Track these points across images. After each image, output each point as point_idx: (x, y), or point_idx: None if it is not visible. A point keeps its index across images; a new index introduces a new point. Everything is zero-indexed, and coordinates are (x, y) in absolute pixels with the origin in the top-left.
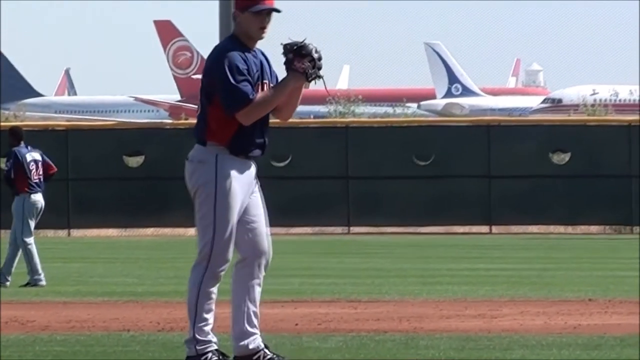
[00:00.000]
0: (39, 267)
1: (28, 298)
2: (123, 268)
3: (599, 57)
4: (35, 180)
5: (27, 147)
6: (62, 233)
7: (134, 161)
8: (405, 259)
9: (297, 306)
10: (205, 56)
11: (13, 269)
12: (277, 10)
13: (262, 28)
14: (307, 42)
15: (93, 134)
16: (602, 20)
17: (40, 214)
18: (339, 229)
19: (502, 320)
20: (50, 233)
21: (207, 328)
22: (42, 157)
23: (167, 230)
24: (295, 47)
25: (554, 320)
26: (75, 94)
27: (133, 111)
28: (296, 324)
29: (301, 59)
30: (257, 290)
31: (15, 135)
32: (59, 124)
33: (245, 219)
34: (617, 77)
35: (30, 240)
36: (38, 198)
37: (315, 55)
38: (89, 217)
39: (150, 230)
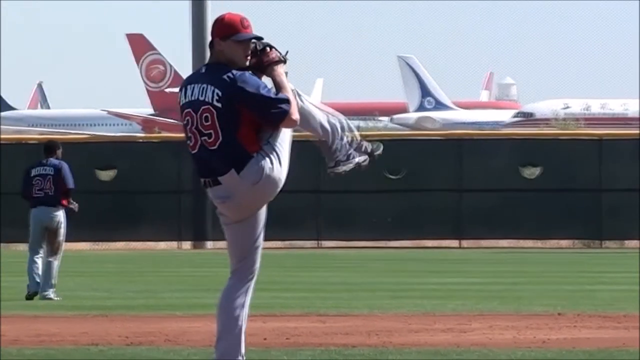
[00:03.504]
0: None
1: None
2: (93, 282)
3: (571, 71)
4: (37, 195)
5: (45, 161)
6: None
7: (106, 175)
8: (375, 273)
9: (266, 320)
10: (178, 69)
11: (53, 280)
12: (259, 38)
13: (247, 56)
14: (255, 41)
15: (65, 148)
16: (575, 34)
17: (50, 228)
18: (309, 243)
19: (471, 335)
20: (21, 247)
21: None
22: (57, 172)
23: (138, 244)
24: (258, 49)
25: (523, 334)
26: (48, 107)
27: (106, 125)
28: (265, 338)
29: (264, 53)
30: None
31: (45, 149)
32: (31, 137)
33: None
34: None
35: (33, 254)
36: (38, 212)
37: (270, 44)
38: None
39: (121, 244)
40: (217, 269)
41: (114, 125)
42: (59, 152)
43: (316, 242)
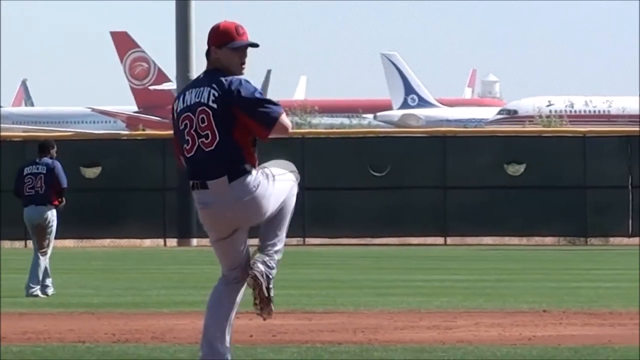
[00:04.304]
0: (36, 277)
1: None
2: (79, 279)
3: (554, 68)
4: (28, 193)
5: (38, 160)
6: (18, 244)
7: (91, 172)
8: (360, 270)
9: (252, 317)
10: (162, 66)
11: (40, 277)
12: (255, 45)
13: (243, 64)
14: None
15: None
16: (558, 32)
17: (40, 226)
18: (294, 240)
19: (456, 332)
20: (6, 244)
21: None
22: (49, 171)
23: (124, 241)
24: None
25: (509, 331)
26: (32, 104)
27: (90, 122)
28: (251, 335)
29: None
30: None
31: (39, 148)
32: (16, 135)
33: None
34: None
35: (36, 254)
36: (28, 211)
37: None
38: None
39: (107, 241)
40: (203, 266)
41: (98, 122)
42: (53, 151)
43: (301, 239)
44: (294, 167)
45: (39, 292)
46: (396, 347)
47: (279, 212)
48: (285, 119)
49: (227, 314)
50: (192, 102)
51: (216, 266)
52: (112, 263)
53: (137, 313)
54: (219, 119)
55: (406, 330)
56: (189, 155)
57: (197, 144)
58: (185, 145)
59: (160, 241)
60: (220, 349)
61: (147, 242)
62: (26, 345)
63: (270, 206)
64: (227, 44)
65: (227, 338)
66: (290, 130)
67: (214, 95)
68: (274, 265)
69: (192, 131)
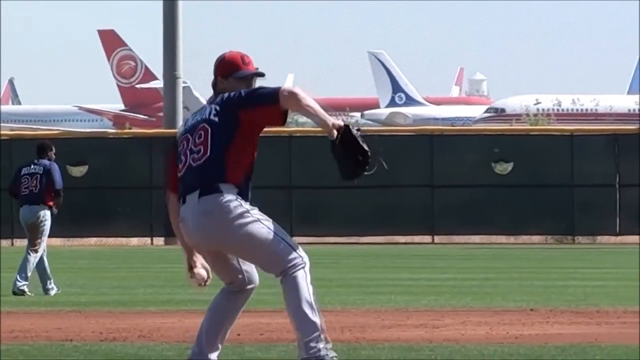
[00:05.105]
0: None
1: None
2: (66, 277)
3: (542, 67)
4: (23, 193)
5: (36, 161)
6: (5, 243)
7: (78, 171)
8: (348, 268)
9: (240, 316)
10: (149, 65)
11: (28, 273)
12: (261, 75)
13: None
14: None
15: (37, 144)
16: (545, 30)
17: (33, 224)
18: None
19: (444, 330)
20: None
21: None
22: (45, 172)
23: (111, 240)
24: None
25: (496, 330)
26: (19, 103)
27: (77, 120)
28: (238, 334)
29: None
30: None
31: (38, 149)
32: (3, 133)
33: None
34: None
35: (31, 252)
36: (23, 211)
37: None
38: None
39: (93, 240)
40: None
41: (85, 121)
42: (51, 153)
43: None
44: (296, 247)
45: (25, 288)
46: (383, 346)
47: (254, 256)
48: (286, 88)
49: (223, 321)
50: (193, 123)
51: None
52: (99, 262)
53: (124, 312)
54: (217, 135)
55: (393, 328)
56: (180, 174)
57: (187, 162)
58: (179, 165)
59: (147, 240)
60: (208, 354)
61: (134, 241)
62: (13, 344)
63: (236, 238)
64: (233, 73)
65: (219, 346)
66: (300, 93)
67: (215, 109)
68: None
69: (187, 150)
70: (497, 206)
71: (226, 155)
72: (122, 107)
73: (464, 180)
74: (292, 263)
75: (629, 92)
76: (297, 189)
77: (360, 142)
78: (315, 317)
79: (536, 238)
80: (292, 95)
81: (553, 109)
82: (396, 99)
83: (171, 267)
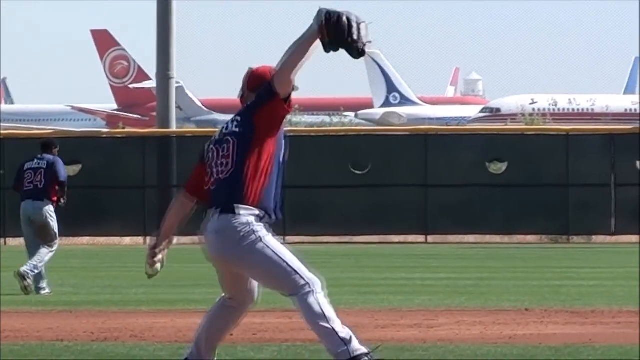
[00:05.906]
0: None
1: None
2: (58, 277)
3: (538, 66)
4: (27, 188)
5: (40, 156)
6: None
7: (71, 170)
8: (341, 268)
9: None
10: (142, 65)
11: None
12: (293, 89)
13: None
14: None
15: (30, 143)
16: (541, 30)
17: (38, 222)
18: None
19: (438, 330)
20: None
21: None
22: (49, 166)
23: (103, 239)
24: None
25: (490, 330)
26: (12, 102)
27: (70, 120)
28: (231, 334)
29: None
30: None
31: (42, 146)
32: None
33: None
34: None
35: (30, 257)
36: (25, 206)
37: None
38: None
39: (86, 239)
40: (182, 265)
41: (78, 120)
42: (55, 150)
43: (282, 237)
44: (305, 272)
45: (30, 281)
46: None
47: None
48: (275, 68)
49: (221, 328)
50: (220, 135)
51: (195, 264)
52: (91, 261)
53: (116, 311)
54: (240, 144)
55: (387, 328)
56: (207, 187)
57: (215, 175)
58: (206, 179)
59: (140, 239)
60: (204, 355)
61: (127, 240)
62: (4, 344)
63: (245, 260)
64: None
65: (215, 351)
66: (277, 67)
67: (237, 120)
68: None
69: (213, 163)
70: (491, 206)
71: (247, 171)
72: (115, 106)
73: (459, 180)
74: (301, 290)
75: (625, 92)
76: (291, 189)
77: (345, 31)
78: (333, 324)
79: (531, 238)
80: (276, 74)
81: (549, 109)
82: (391, 98)
83: (164, 267)
